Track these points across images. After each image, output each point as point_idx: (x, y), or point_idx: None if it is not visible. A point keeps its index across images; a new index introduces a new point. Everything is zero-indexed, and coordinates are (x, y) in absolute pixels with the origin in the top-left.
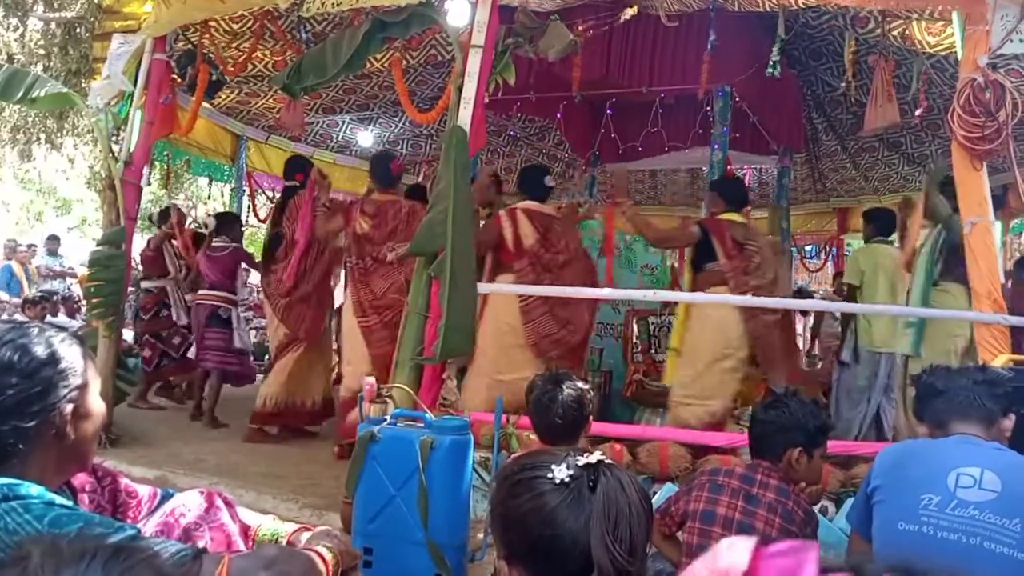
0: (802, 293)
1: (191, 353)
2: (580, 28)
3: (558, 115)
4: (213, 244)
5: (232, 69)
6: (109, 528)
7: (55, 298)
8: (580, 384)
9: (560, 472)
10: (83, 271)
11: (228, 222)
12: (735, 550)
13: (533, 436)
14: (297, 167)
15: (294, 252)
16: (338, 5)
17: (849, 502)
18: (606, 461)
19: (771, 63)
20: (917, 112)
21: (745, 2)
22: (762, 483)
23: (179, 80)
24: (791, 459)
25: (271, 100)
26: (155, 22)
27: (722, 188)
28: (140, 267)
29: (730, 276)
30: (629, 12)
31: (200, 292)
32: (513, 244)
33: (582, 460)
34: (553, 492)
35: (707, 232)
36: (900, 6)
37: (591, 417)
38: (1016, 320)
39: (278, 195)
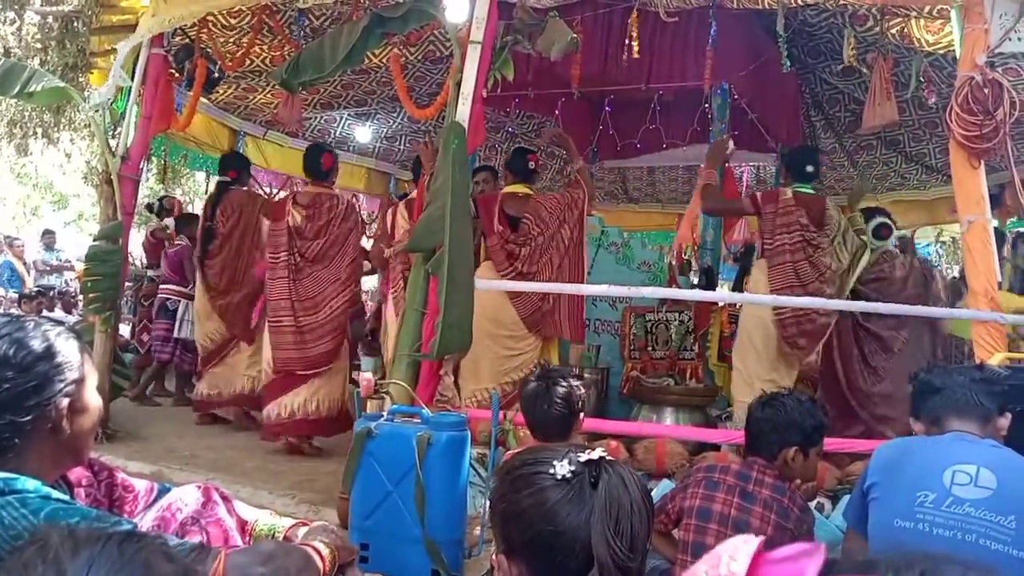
0: None
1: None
2: (579, 28)
3: (556, 111)
4: (175, 242)
5: (230, 64)
6: (106, 522)
7: (52, 293)
8: (571, 381)
9: (562, 468)
10: (80, 266)
11: (185, 221)
12: (737, 554)
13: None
14: (231, 164)
15: (227, 248)
16: None
17: (845, 499)
18: (608, 458)
19: (783, 60)
20: (931, 101)
21: None
22: (758, 480)
23: (177, 75)
24: (787, 458)
25: (269, 95)
26: (153, 16)
27: (508, 161)
28: (143, 258)
29: (492, 250)
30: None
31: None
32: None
33: (584, 456)
34: (554, 488)
35: (477, 208)
36: (899, 3)
37: (582, 414)
38: (1013, 319)
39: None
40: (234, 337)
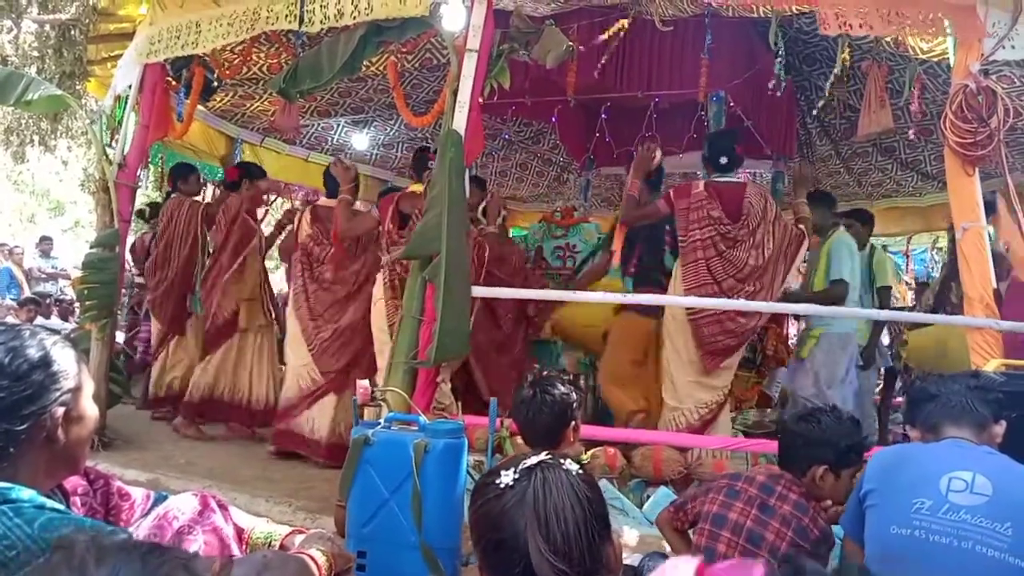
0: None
1: None
2: (575, 36)
3: (553, 119)
4: None
5: (227, 71)
6: (101, 532)
7: (48, 300)
8: (562, 388)
9: (506, 477)
10: (76, 273)
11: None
12: (679, 569)
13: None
14: (170, 174)
15: (159, 250)
16: (340, 18)
17: None
18: (548, 461)
19: (776, 79)
20: (911, 133)
21: (739, 7)
22: (781, 495)
23: (174, 82)
24: (815, 476)
25: (266, 103)
26: (151, 24)
27: (412, 161)
28: (133, 264)
29: (383, 250)
30: (622, 23)
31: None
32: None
33: (529, 462)
34: (497, 498)
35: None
36: (895, 27)
37: (575, 421)
38: (1008, 325)
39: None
40: (168, 334)
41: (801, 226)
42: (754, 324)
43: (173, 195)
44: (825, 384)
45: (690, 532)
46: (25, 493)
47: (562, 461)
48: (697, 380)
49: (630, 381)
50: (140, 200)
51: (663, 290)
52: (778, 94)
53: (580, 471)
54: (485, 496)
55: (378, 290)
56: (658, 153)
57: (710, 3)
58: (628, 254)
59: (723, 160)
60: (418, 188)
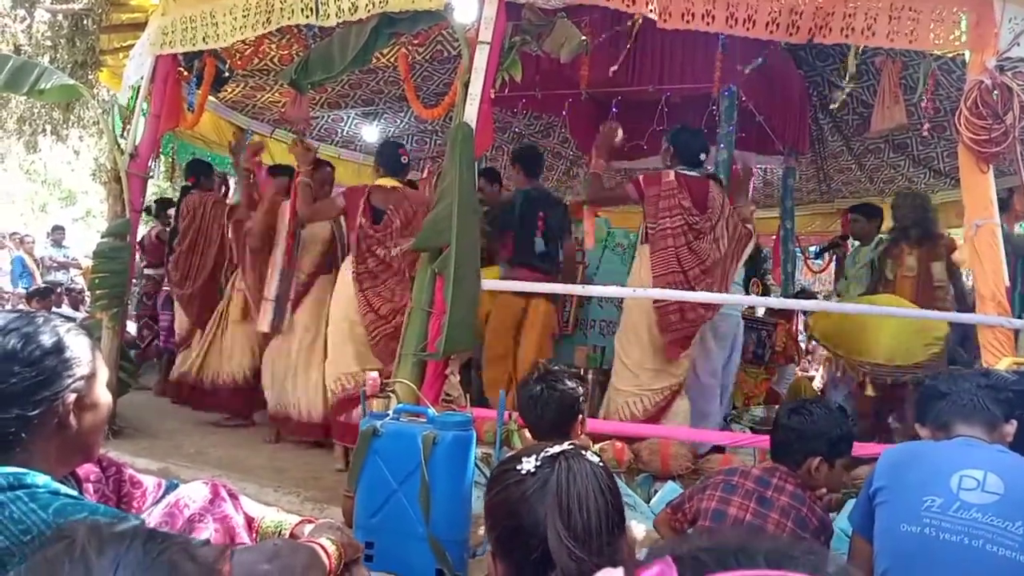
0: (804, 293)
1: None
2: (588, 29)
3: (564, 112)
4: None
5: (239, 62)
6: (114, 518)
7: (59, 289)
8: (568, 382)
9: (528, 464)
10: (88, 262)
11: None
12: None
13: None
14: (190, 171)
15: (183, 245)
16: (355, 11)
17: (851, 503)
18: (571, 451)
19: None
20: (924, 129)
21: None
22: (778, 487)
23: (185, 73)
24: (810, 467)
25: (277, 94)
26: (163, 14)
27: (376, 155)
28: (142, 256)
29: (352, 244)
30: (637, 18)
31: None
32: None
33: (552, 451)
34: (517, 484)
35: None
36: (901, 31)
37: (582, 415)
38: (1020, 323)
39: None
40: (195, 326)
41: (748, 226)
42: (710, 316)
43: (193, 191)
44: (700, 374)
45: (688, 532)
46: (40, 479)
47: (583, 452)
48: (657, 368)
49: (504, 359)
50: (151, 191)
51: (536, 272)
52: (790, 73)
53: (601, 463)
54: (504, 482)
55: (344, 283)
56: (620, 132)
57: None
58: (502, 238)
59: (703, 156)
60: (386, 182)
